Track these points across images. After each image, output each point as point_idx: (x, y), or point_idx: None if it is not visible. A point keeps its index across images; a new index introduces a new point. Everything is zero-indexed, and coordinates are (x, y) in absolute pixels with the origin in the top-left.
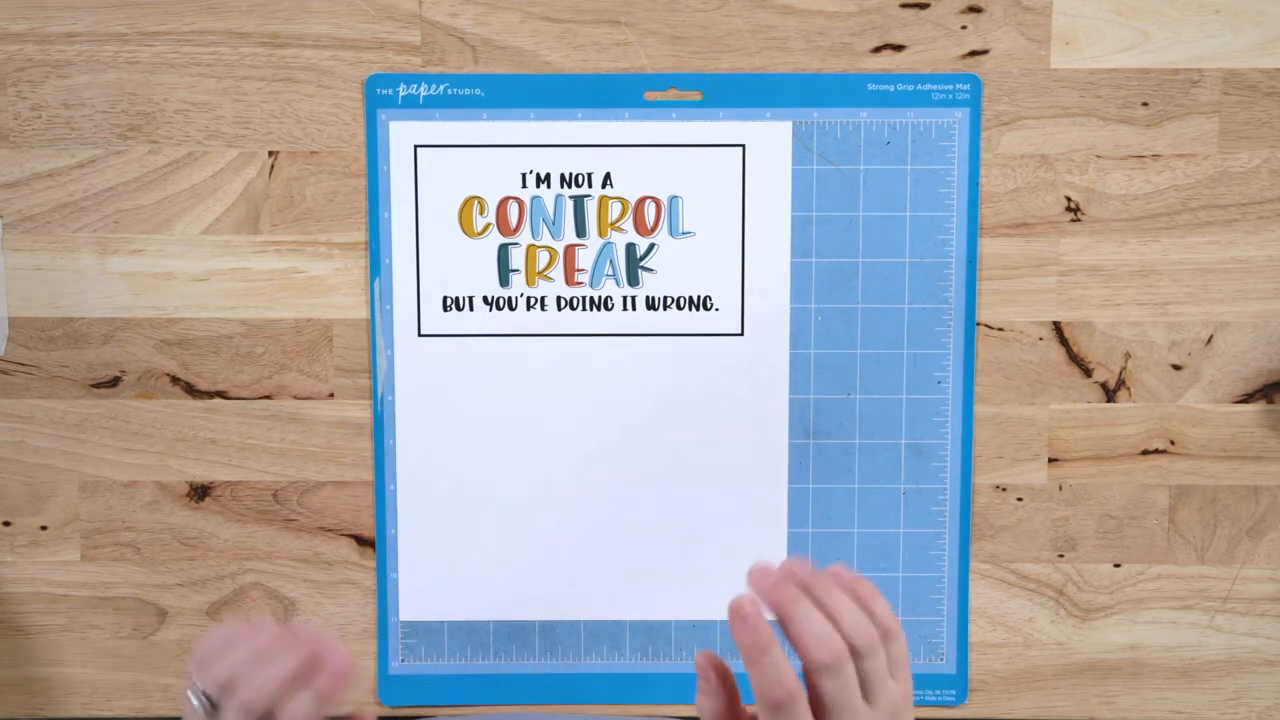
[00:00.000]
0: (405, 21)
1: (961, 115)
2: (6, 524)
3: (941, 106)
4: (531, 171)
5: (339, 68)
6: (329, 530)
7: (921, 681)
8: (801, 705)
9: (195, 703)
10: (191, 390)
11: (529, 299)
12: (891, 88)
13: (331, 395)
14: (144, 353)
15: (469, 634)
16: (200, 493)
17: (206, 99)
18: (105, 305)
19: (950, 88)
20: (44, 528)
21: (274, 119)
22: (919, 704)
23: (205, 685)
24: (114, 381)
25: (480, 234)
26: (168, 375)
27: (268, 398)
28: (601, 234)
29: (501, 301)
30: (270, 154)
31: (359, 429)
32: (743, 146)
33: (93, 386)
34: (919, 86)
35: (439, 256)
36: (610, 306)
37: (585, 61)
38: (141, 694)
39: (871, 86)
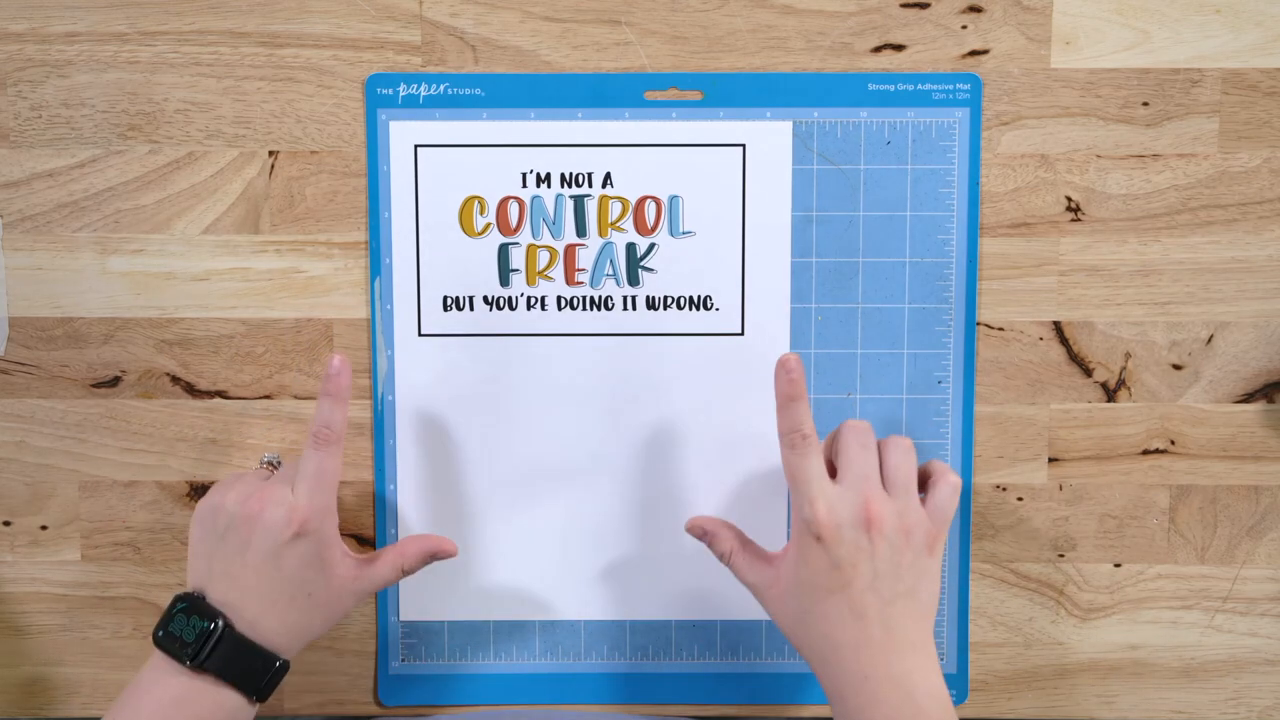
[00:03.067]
0: (405, 21)
1: (962, 115)
2: (6, 524)
3: (942, 106)
4: (532, 171)
5: (339, 67)
6: None
7: None
8: (814, 447)
9: (262, 465)
10: (191, 390)
11: (529, 299)
12: (892, 87)
13: None
14: (144, 353)
15: (469, 634)
16: (200, 492)
17: (207, 99)
18: (105, 305)
19: (950, 87)
20: (44, 527)
21: (274, 119)
22: None
23: (276, 453)
24: (114, 381)
25: (480, 234)
26: (168, 375)
27: (268, 398)
28: (602, 234)
29: (502, 301)
30: (270, 154)
31: (359, 429)
32: (743, 146)
33: (93, 386)
34: (919, 86)
35: (439, 256)
36: (610, 306)
37: (585, 61)
38: None
39: (872, 86)
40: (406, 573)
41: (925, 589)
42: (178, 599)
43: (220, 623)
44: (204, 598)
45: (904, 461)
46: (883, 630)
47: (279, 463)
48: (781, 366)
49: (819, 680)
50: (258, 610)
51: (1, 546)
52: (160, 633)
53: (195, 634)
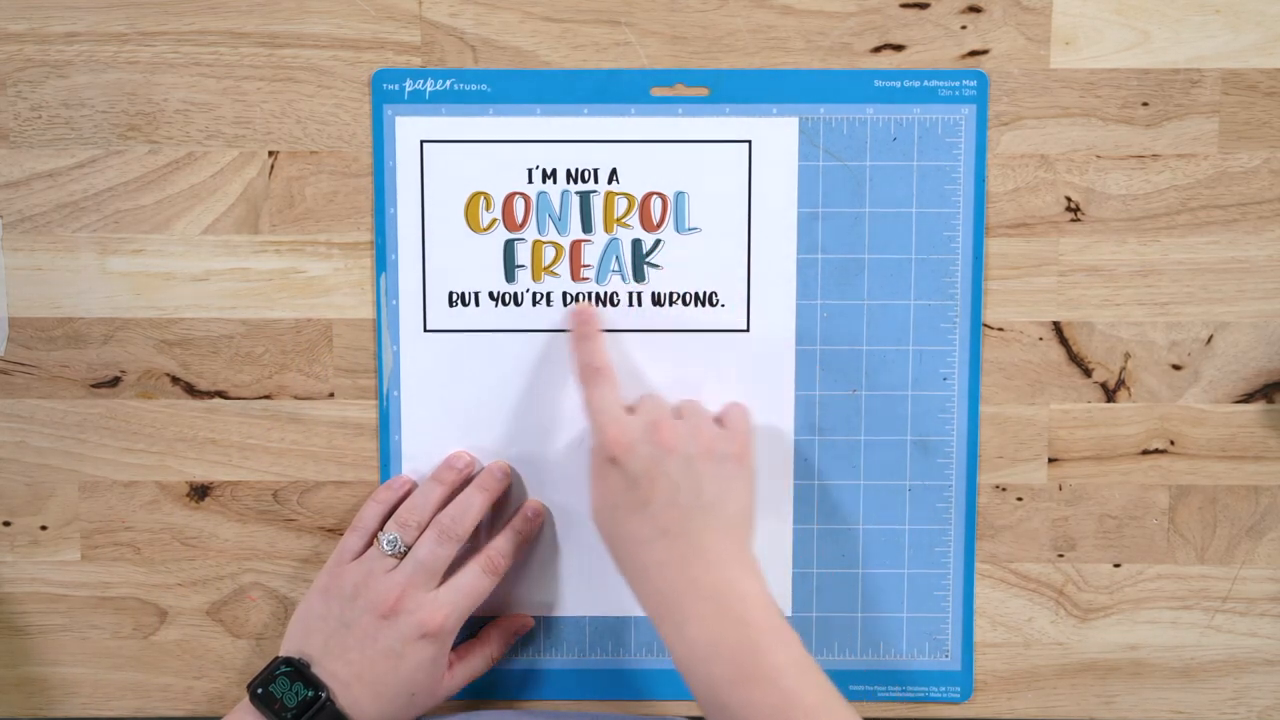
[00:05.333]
0: (405, 21)
1: (967, 112)
2: (6, 524)
3: (947, 103)
4: (538, 167)
5: (339, 67)
6: (329, 530)
7: (926, 678)
8: (606, 378)
9: (386, 547)
10: (191, 390)
11: (535, 294)
12: (898, 84)
13: (331, 395)
14: (144, 353)
15: (472, 631)
16: (200, 493)
17: (206, 99)
18: (105, 305)
19: (956, 84)
20: (44, 528)
21: (274, 119)
22: (922, 700)
23: (399, 532)
24: (114, 381)
25: (486, 229)
26: (168, 375)
27: (268, 398)
28: (607, 229)
29: (507, 297)
30: (270, 154)
31: (359, 429)
32: (749, 142)
33: (93, 386)
34: (925, 83)
35: (445, 252)
36: (616, 302)
37: (585, 61)
38: (141, 694)
39: (878, 83)
40: (495, 661)
41: (734, 502)
42: (281, 661)
43: (325, 696)
44: (309, 666)
45: (693, 402)
46: (689, 545)
47: (404, 551)
48: (575, 312)
49: (641, 607)
50: (361, 693)
51: (1, 546)
52: (259, 690)
53: (298, 700)
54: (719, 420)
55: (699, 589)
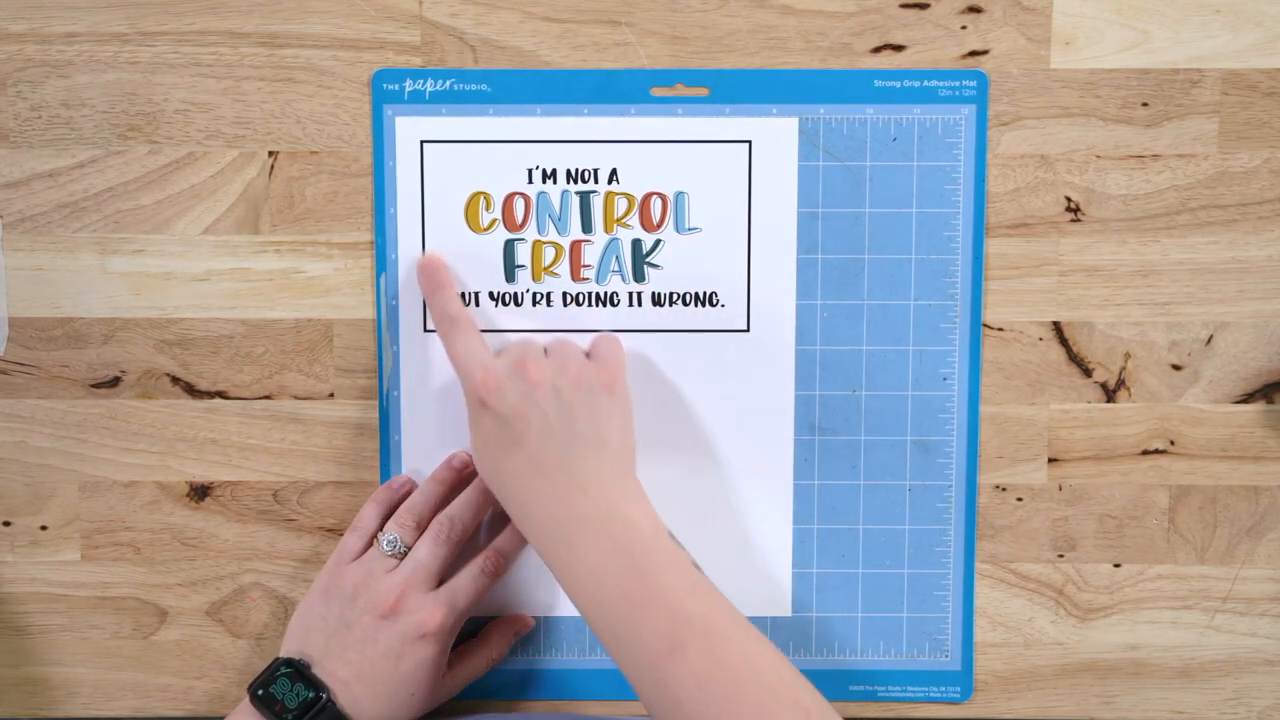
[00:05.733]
0: (405, 21)
1: (968, 112)
2: (6, 524)
3: (947, 103)
4: (538, 167)
5: (339, 68)
6: (329, 530)
7: (926, 678)
8: (465, 326)
9: (386, 547)
10: (191, 390)
11: (535, 295)
12: (898, 84)
13: (332, 395)
14: (144, 353)
15: (471, 630)
16: (200, 493)
17: (206, 99)
18: (105, 305)
19: (956, 84)
20: (44, 528)
21: (274, 119)
22: (922, 700)
23: (399, 532)
24: (114, 381)
25: (486, 229)
26: (168, 375)
27: (268, 398)
28: (607, 230)
29: (507, 297)
30: (270, 154)
31: (359, 429)
32: (749, 143)
33: (93, 386)
34: (925, 83)
35: (445, 252)
36: (616, 302)
37: (585, 61)
38: (141, 694)
39: (878, 83)
40: (495, 661)
41: (611, 430)
42: (281, 662)
43: (325, 696)
44: (309, 667)
45: (562, 339)
46: (567, 477)
47: (404, 551)
48: (420, 266)
49: (531, 545)
50: (362, 693)
51: (1, 546)
52: (260, 691)
53: (298, 701)
54: (589, 354)
55: (581, 519)
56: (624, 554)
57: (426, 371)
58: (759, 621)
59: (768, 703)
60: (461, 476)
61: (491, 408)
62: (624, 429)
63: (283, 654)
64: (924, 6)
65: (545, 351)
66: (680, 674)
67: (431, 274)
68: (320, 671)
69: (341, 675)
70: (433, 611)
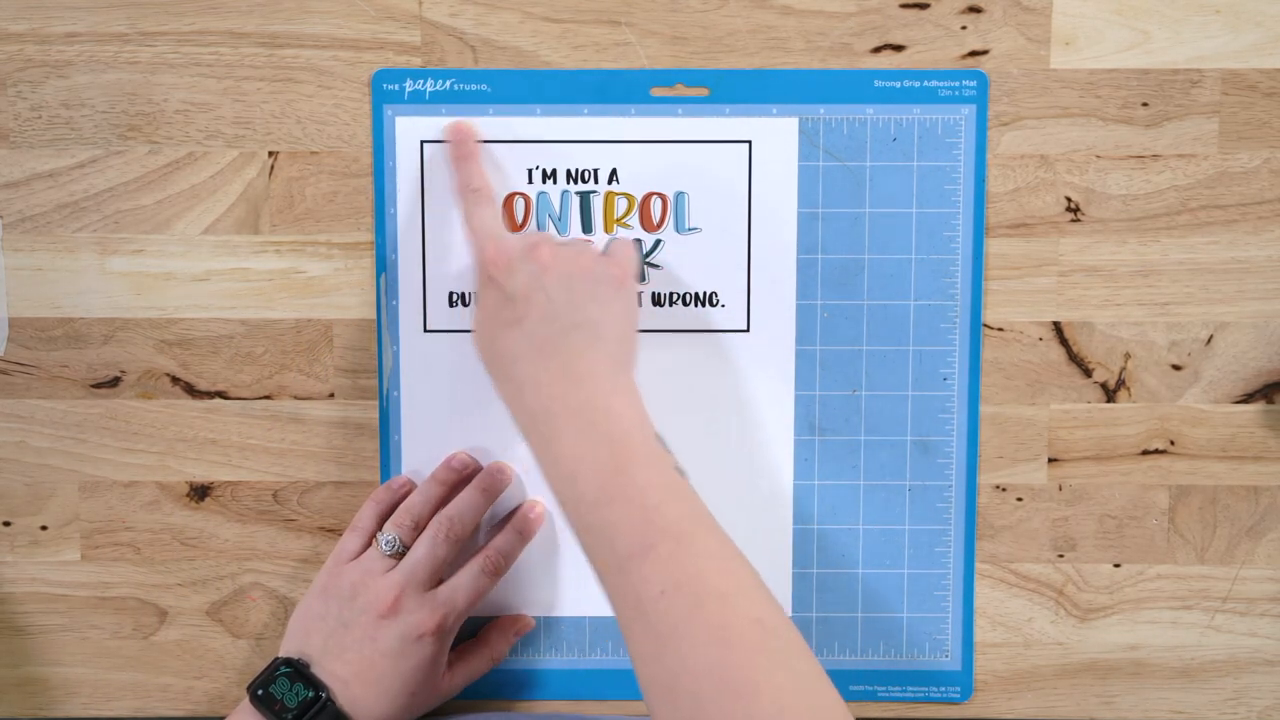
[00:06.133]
0: (405, 22)
1: (968, 112)
2: (6, 524)
3: (947, 103)
4: (538, 167)
5: (339, 68)
6: (329, 530)
7: (926, 679)
8: (486, 199)
9: (385, 547)
10: (191, 390)
11: None
12: (898, 84)
13: (332, 395)
14: (144, 353)
15: (472, 630)
16: (200, 493)
17: (207, 99)
18: (105, 305)
19: (956, 84)
20: (44, 528)
21: (274, 119)
22: (922, 700)
23: (397, 532)
24: (114, 381)
25: None
26: (168, 375)
27: (268, 398)
28: (608, 230)
29: None
30: (270, 154)
31: (359, 429)
32: (749, 143)
33: (93, 386)
34: (925, 83)
35: (445, 252)
36: None
37: (585, 62)
38: (141, 694)
39: (878, 83)
40: (496, 661)
41: (612, 323)
42: (281, 661)
43: (325, 696)
44: (309, 666)
45: (578, 237)
46: (562, 362)
47: (403, 551)
48: (449, 129)
49: (516, 426)
50: (361, 693)
51: (1, 546)
52: (259, 691)
53: (298, 701)
54: (603, 252)
55: (569, 406)
56: (605, 446)
57: (426, 371)
58: None
59: (725, 615)
60: (461, 477)
61: (498, 283)
62: (626, 325)
63: (282, 654)
64: (924, 6)
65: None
66: (646, 576)
67: (461, 142)
68: (319, 671)
69: (341, 675)
70: (432, 611)
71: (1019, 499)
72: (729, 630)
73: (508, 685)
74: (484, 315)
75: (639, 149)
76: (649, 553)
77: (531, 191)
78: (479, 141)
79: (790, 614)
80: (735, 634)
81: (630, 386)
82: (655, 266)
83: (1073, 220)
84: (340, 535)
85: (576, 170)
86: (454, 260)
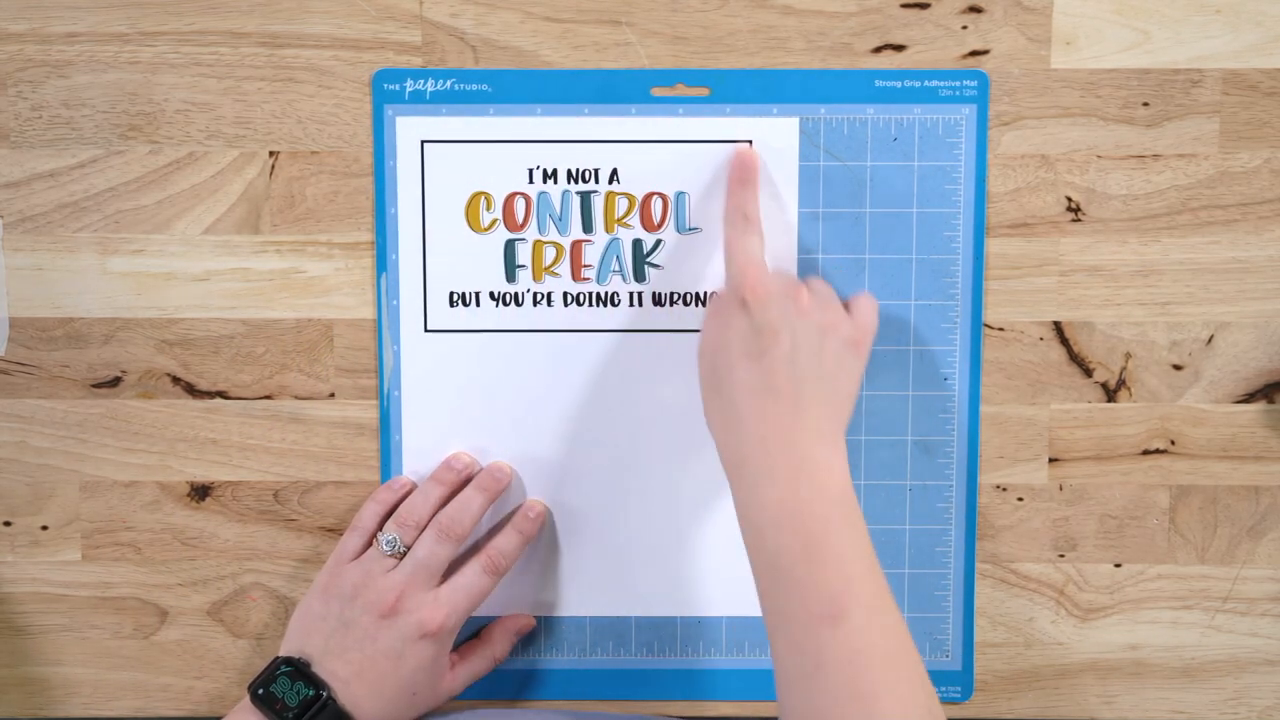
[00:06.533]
0: (406, 22)
1: (968, 112)
2: (7, 524)
3: (948, 103)
4: (538, 167)
5: (340, 68)
6: (329, 530)
7: None
8: (755, 229)
9: (385, 547)
10: (192, 390)
11: (535, 294)
12: (898, 84)
13: (332, 395)
14: (144, 353)
15: (472, 633)
16: (201, 493)
17: (207, 99)
18: (105, 305)
19: (957, 84)
20: (44, 528)
21: (275, 119)
22: None
23: (398, 532)
24: (114, 381)
25: (487, 229)
26: (168, 375)
27: (268, 398)
28: (608, 229)
29: (508, 297)
30: (271, 154)
31: (360, 429)
32: (749, 143)
33: (93, 386)
34: (926, 83)
35: (445, 252)
36: (617, 302)
37: (585, 61)
38: (141, 694)
39: (878, 83)
40: (498, 661)
41: (844, 384)
42: (281, 661)
43: (326, 694)
44: (309, 666)
45: (823, 282)
46: (792, 407)
47: (403, 551)
48: (738, 155)
49: (721, 458)
50: (362, 692)
51: (1, 546)
52: (260, 690)
53: (299, 700)
54: (847, 306)
55: (788, 453)
56: (820, 501)
57: (427, 371)
58: (762, 622)
59: (907, 697)
60: (461, 477)
61: (751, 310)
62: (855, 388)
63: (283, 653)
64: (924, 6)
65: (810, 286)
66: (836, 641)
67: (745, 169)
68: (320, 670)
69: (341, 674)
70: (432, 611)
71: (1019, 499)
72: (909, 710)
73: (508, 685)
74: (723, 336)
75: (640, 149)
76: (844, 618)
77: (532, 191)
78: (757, 174)
79: None
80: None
81: (843, 446)
82: (656, 266)
83: (1073, 220)
84: (341, 535)
85: (577, 170)
86: (454, 260)
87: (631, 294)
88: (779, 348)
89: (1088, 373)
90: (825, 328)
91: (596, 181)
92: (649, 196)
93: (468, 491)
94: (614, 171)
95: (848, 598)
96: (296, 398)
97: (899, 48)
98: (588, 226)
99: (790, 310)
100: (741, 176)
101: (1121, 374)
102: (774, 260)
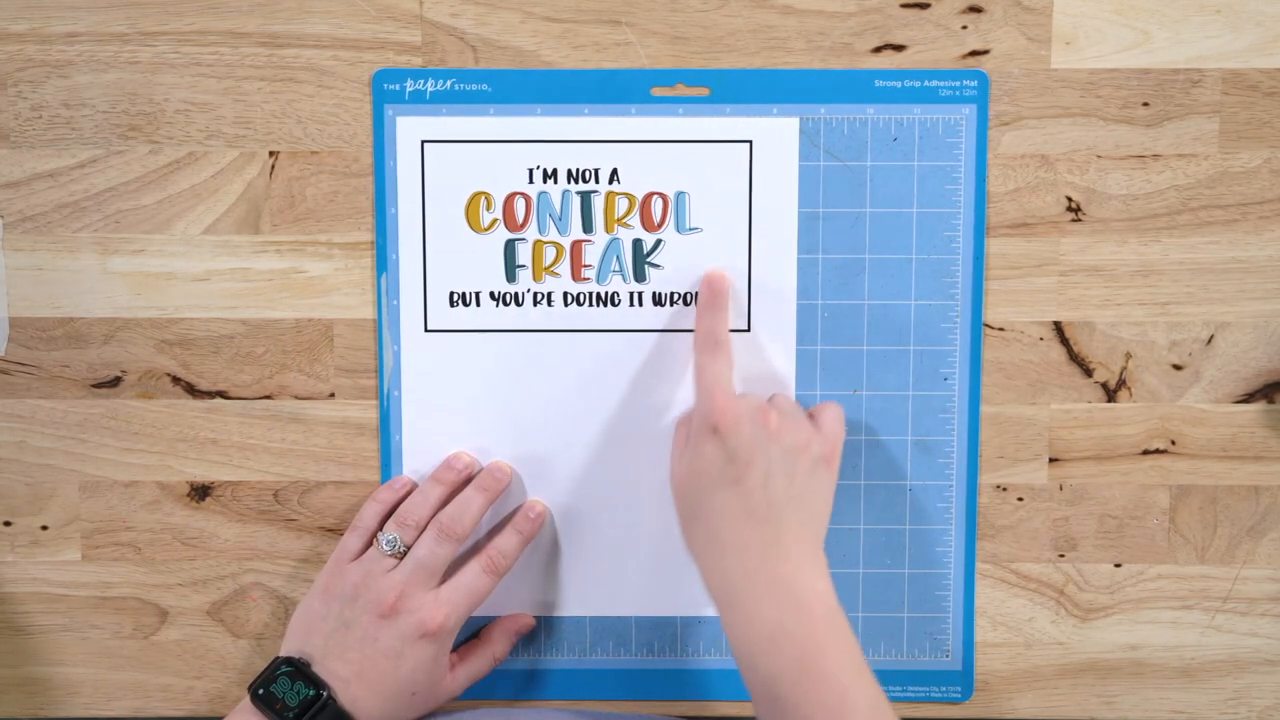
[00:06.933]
0: (406, 22)
1: (968, 111)
2: (7, 524)
3: (948, 103)
4: (538, 167)
5: (340, 68)
6: (329, 530)
7: (927, 678)
8: (725, 353)
9: (386, 547)
10: (192, 390)
11: (535, 294)
12: (898, 84)
13: (332, 395)
14: (144, 353)
15: (473, 630)
16: (201, 493)
17: (207, 99)
18: (105, 305)
19: (957, 84)
20: (44, 528)
21: (275, 119)
22: (923, 700)
23: (398, 532)
24: (114, 381)
25: (487, 229)
26: (168, 375)
27: (268, 398)
28: (608, 229)
29: (508, 297)
30: (271, 154)
31: (360, 429)
32: (749, 142)
33: (93, 386)
34: (925, 83)
35: (446, 252)
36: (617, 302)
37: (585, 61)
38: (141, 694)
39: (878, 83)
40: (498, 661)
41: (819, 501)
42: (281, 661)
43: (326, 694)
44: (310, 666)
45: (787, 398)
46: (772, 532)
47: (404, 550)
48: (706, 279)
49: (705, 585)
50: (361, 691)
51: (1, 546)
52: (260, 690)
53: (299, 700)
54: (812, 417)
55: (772, 578)
56: (809, 623)
57: (427, 371)
58: None
59: None
60: (461, 477)
61: (723, 438)
62: (828, 503)
63: (283, 653)
64: (924, 6)
65: (774, 404)
66: None
67: (715, 292)
68: (320, 670)
69: (342, 674)
70: (432, 611)
71: (1020, 499)
72: None
73: (508, 685)
74: (698, 465)
75: (640, 149)
76: None
77: (532, 191)
78: (727, 297)
79: None
80: None
81: (824, 563)
82: (656, 266)
83: (1073, 220)
84: (341, 535)
85: (577, 170)
86: (454, 260)
87: (631, 294)
88: (753, 474)
89: (1088, 373)
90: (796, 450)
91: (596, 181)
92: (649, 196)
93: (468, 491)
94: (614, 171)
95: (847, 711)
96: (296, 398)
97: (899, 48)
98: (588, 226)
99: (761, 435)
100: (711, 301)
101: (1121, 374)
102: (774, 260)
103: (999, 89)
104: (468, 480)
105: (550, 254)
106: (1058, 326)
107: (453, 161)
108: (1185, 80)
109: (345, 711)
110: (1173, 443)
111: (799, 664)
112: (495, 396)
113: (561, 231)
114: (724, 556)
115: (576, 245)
